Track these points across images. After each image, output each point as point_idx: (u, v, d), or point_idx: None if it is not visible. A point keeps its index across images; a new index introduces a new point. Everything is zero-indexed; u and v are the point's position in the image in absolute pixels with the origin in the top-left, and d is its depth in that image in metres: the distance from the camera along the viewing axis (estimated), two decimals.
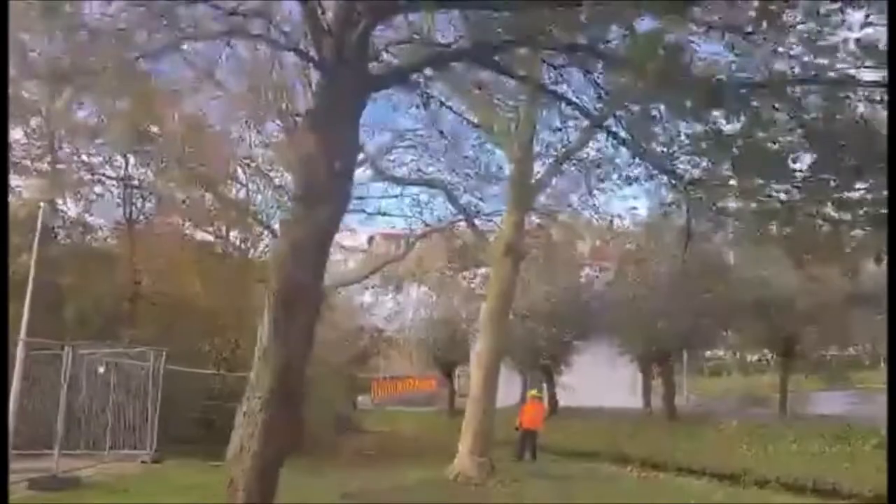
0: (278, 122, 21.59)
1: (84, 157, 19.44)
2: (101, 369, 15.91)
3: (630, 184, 10.67)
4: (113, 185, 20.55)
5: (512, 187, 17.35)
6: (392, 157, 24.50)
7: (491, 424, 16.75)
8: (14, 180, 16.75)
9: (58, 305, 17.48)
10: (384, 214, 27.97)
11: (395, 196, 26.77)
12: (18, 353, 12.20)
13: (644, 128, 7.23)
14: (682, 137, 7.18)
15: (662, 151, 7.50)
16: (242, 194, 23.67)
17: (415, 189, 24.89)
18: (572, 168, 17.70)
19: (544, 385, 33.22)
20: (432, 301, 39.16)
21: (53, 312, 17.01)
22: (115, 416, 15.77)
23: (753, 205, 7.68)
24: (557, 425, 28.36)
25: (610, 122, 7.94)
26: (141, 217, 21.32)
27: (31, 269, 12.96)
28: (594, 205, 20.26)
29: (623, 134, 7.68)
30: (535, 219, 25.40)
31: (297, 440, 6.65)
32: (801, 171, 7.01)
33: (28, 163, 18.81)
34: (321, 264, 6.70)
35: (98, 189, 20.29)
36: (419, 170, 23.09)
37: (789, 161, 6.89)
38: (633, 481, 17.34)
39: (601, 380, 31.94)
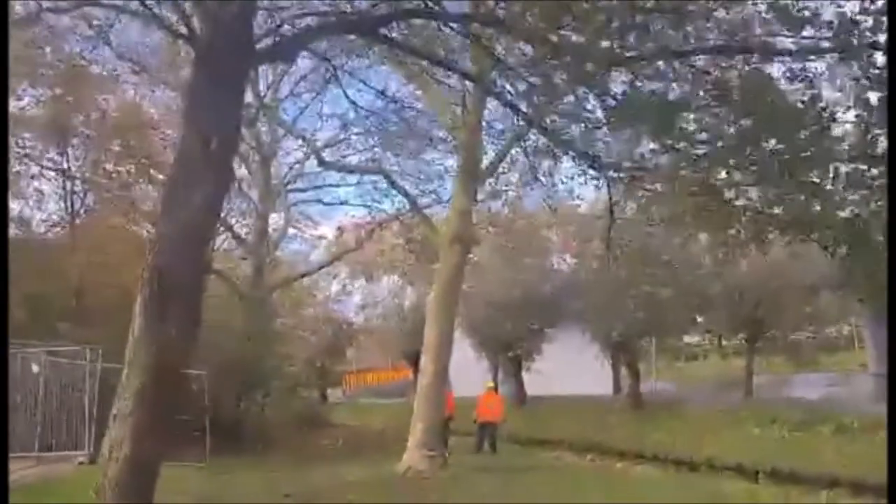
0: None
1: (20, 150, 18.71)
2: (36, 368, 15.35)
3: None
4: (52, 179, 19.88)
5: (459, 173, 16.92)
6: (344, 147, 24.24)
7: (440, 416, 16.36)
8: None
9: None
10: (343, 204, 27.70)
11: (354, 184, 26.53)
12: None
13: (543, 100, 6.78)
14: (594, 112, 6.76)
15: (568, 128, 7.08)
16: None
17: (374, 177, 24.56)
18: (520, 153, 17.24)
19: (502, 375, 32.84)
20: (399, 291, 38.78)
21: None
22: (51, 416, 15.20)
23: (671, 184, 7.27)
24: (525, 414, 28.16)
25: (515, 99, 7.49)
26: (82, 211, 20.61)
27: None
28: (549, 189, 19.97)
29: (524, 108, 7.23)
30: (499, 205, 25.20)
31: (168, 441, 6.04)
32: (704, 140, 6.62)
33: None
34: (199, 252, 6.21)
35: (37, 184, 19.63)
36: (373, 159, 22.75)
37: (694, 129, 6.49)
38: (589, 471, 17.05)
39: (571, 368, 31.59)
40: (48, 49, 16.44)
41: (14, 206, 19.26)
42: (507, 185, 22.92)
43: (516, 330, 30.62)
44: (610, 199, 8.19)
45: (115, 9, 8.35)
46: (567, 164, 19.71)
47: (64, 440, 15.24)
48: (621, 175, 7.58)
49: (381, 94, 16.02)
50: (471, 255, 19.21)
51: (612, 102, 6.32)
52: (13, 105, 18.20)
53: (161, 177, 21.29)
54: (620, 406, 28.65)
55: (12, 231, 19.41)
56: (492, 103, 16.57)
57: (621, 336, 27.68)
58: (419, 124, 19.02)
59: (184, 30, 6.18)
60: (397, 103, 17.36)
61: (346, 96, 14.85)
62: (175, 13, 6.88)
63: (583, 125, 7.04)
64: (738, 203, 7.22)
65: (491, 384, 22.54)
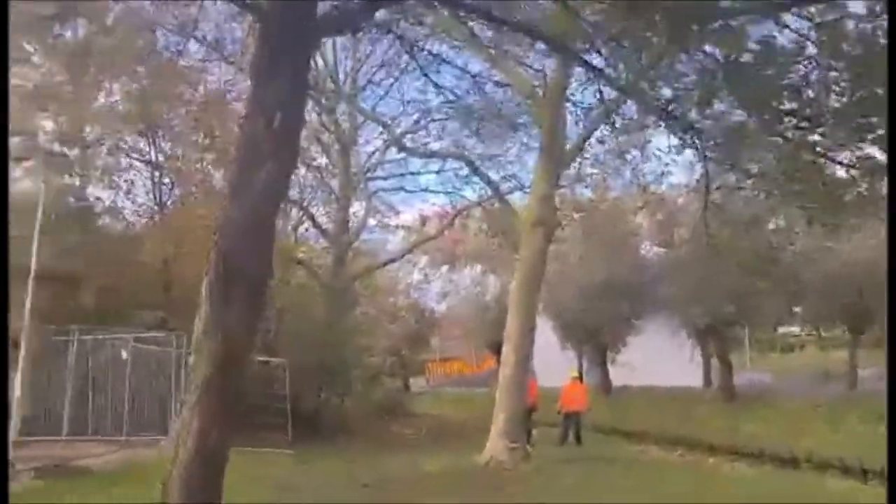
0: None
1: (111, 142, 19.22)
2: (125, 354, 15.71)
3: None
4: (142, 169, 20.38)
5: (540, 155, 16.33)
6: (425, 134, 23.97)
7: (522, 407, 15.89)
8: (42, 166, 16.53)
9: (85, 290, 17.32)
10: (425, 191, 27.49)
11: (436, 172, 26.26)
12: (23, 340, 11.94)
13: (633, 63, 6.21)
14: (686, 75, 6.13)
15: (659, 94, 6.47)
16: None
17: (456, 164, 24.26)
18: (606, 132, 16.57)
19: (587, 365, 32.07)
20: (482, 279, 38.43)
21: (81, 297, 16.86)
22: (139, 401, 15.54)
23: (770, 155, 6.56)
24: (610, 405, 27.40)
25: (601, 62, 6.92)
26: (170, 201, 21.06)
27: (32, 254, 12.62)
28: (635, 171, 19.28)
29: (614, 74, 6.66)
30: (584, 189, 24.51)
31: (236, 430, 5.81)
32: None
33: (58, 147, 18.68)
34: (265, 235, 5.93)
35: (128, 175, 20.16)
36: (454, 145, 22.40)
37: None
38: (678, 466, 16.21)
39: (659, 357, 30.56)
40: (139, 42, 16.74)
41: (105, 196, 19.85)
42: (592, 168, 22.31)
43: (602, 318, 29.89)
44: (706, 173, 7.52)
45: None
46: (656, 142, 19.14)
47: (151, 425, 15.56)
48: (718, 143, 6.91)
49: (462, 71, 15.57)
50: (554, 243, 18.60)
51: (709, 64, 5.70)
52: (104, 100, 18.76)
53: None
54: (711, 398, 27.53)
55: (105, 221, 20.06)
56: (575, 83, 15.99)
57: (712, 325, 26.64)
58: (500, 107, 18.50)
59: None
60: (478, 84, 16.93)
61: (425, 74, 14.45)
62: None
63: (679, 88, 6.42)
64: (851, 176, 6.46)
65: (575, 373, 21.88)
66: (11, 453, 11.53)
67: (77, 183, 18.36)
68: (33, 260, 12.28)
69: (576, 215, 26.84)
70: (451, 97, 19.27)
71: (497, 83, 18.34)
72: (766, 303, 25.91)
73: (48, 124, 18.36)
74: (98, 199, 19.58)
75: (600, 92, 14.07)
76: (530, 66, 15.88)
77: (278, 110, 5.71)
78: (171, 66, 17.60)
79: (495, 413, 15.71)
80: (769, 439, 18.44)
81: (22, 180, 18.95)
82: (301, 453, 16.28)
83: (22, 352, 11.89)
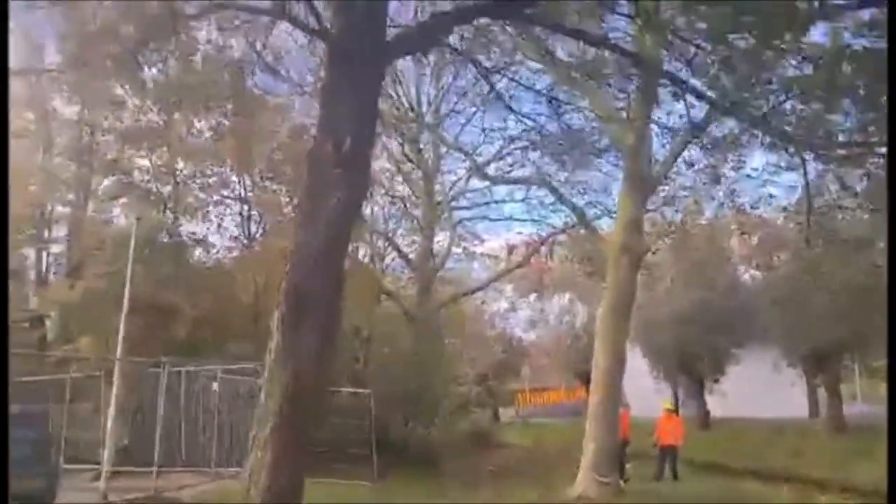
0: None
1: (203, 179, 19.84)
2: (215, 386, 15.94)
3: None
4: (232, 203, 20.92)
5: (625, 178, 15.80)
6: (508, 163, 23.76)
7: (614, 439, 15.22)
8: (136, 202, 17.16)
9: (176, 323, 17.78)
10: (510, 219, 27.23)
11: (521, 200, 25.97)
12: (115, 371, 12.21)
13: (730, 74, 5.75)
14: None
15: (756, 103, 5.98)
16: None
17: (541, 192, 23.93)
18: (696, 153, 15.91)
19: (682, 396, 30.73)
20: (570, 308, 37.66)
21: (174, 329, 17.30)
22: (229, 432, 15.69)
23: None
24: (709, 438, 26.09)
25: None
26: (259, 234, 21.52)
27: (126, 285, 12.97)
28: (729, 193, 18.47)
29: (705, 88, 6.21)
30: (672, 214, 23.67)
31: (309, 464, 5.62)
32: None
33: (151, 185, 19.43)
34: (336, 262, 5.78)
35: (218, 210, 20.75)
36: (538, 172, 22.06)
37: None
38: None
39: (760, 388, 28.99)
40: (225, 79, 17.25)
41: (197, 230, 20.42)
42: (682, 190, 21.51)
43: (698, 348, 28.67)
44: (806, 185, 6.94)
45: (250, 10, 8.23)
46: (751, 161, 18.29)
47: (240, 456, 15.66)
48: (822, 154, 6.36)
49: (541, 94, 15.20)
50: (644, 268, 17.95)
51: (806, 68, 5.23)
52: (194, 140, 19.36)
53: None
54: (819, 430, 25.82)
55: (197, 254, 20.63)
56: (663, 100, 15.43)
57: (818, 353, 25.11)
58: (583, 132, 18.09)
59: (314, 22, 5.80)
60: (557, 108, 16.58)
61: (498, 96, 14.13)
62: (310, 12, 6.59)
63: (772, 99, 5.94)
64: None
65: (669, 405, 20.87)
66: (103, 484, 11.81)
67: (170, 218, 18.91)
68: (126, 295, 12.60)
69: (666, 240, 25.88)
70: (531, 123, 18.95)
71: (577, 108, 17.92)
72: (877, 328, 24.20)
73: (143, 162, 19.20)
74: (191, 233, 20.17)
75: (689, 108, 13.50)
76: (610, 86, 15.39)
77: (348, 134, 5.59)
78: (258, 102, 18.03)
79: (585, 445, 15.14)
80: (883, 476, 16.99)
81: (118, 217, 19.87)
82: (386, 485, 16.10)
83: (115, 383, 12.16)
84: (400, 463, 19.01)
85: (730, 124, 11.94)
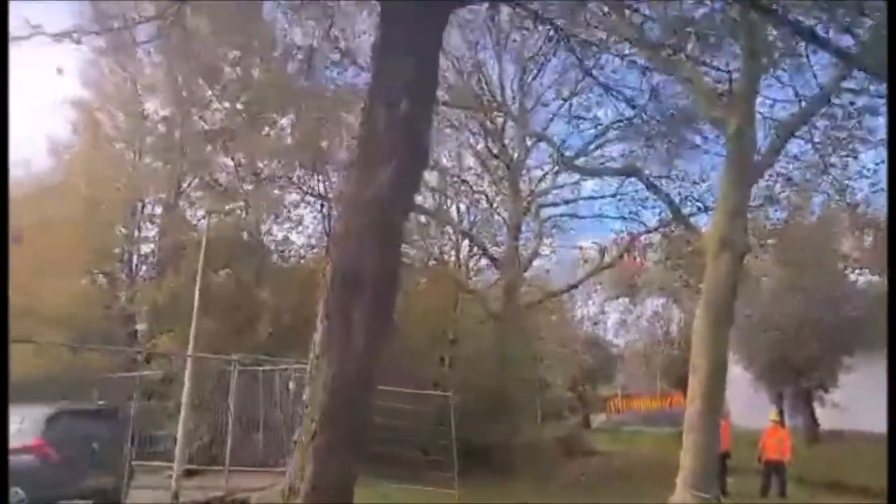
0: None
1: (283, 177, 19.67)
2: (292, 385, 15.61)
3: None
4: (312, 201, 20.70)
5: (728, 167, 14.46)
6: (598, 156, 22.72)
7: (713, 452, 13.91)
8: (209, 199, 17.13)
9: (261, 322, 17.63)
10: (600, 216, 26.06)
11: (612, 196, 24.77)
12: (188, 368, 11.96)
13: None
14: None
15: None
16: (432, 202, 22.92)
17: (632, 187, 22.78)
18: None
19: (788, 406, 28.72)
20: (665, 310, 36.00)
21: (255, 329, 17.13)
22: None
23: None
24: (819, 453, 24.19)
25: None
26: None
27: (196, 282, 12.73)
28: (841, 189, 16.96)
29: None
30: (778, 210, 22.10)
31: (358, 469, 4.91)
32: None
33: (236, 184, 19.40)
34: (391, 247, 5.07)
35: (298, 210, 20.57)
36: (632, 162, 20.90)
37: None
38: None
39: (874, 400, 26.70)
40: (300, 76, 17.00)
41: (279, 229, 20.28)
42: (786, 185, 20.00)
43: (805, 356, 26.76)
44: None
45: None
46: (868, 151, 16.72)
47: None
48: None
49: (635, 65, 14.11)
50: (749, 271, 16.62)
51: None
52: (273, 135, 19.21)
53: None
54: None
55: (278, 253, 20.48)
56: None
57: None
58: (682, 116, 16.94)
59: None
60: (653, 93, 15.48)
61: (589, 74, 13.18)
62: None
63: None
64: None
65: (776, 416, 19.24)
66: (174, 484, 11.55)
67: (251, 217, 18.80)
68: (196, 294, 12.34)
69: (769, 241, 24.18)
70: (627, 111, 17.91)
71: (674, 93, 16.79)
72: None
73: (227, 161, 19.19)
74: (272, 233, 20.06)
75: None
76: (712, 66, 14.23)
77: (404, 96, 4.86)
78: (333, 95, 17.68)
79: (682, 458, 13.90)
80: None
81: (201, 217, 19.93)
82: (468, 492, 15.33)
83: (187, 380, 11.92)
84: (485, 469, 18.23)
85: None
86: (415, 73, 4.89)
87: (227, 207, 18.02)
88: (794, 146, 17.76)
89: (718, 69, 14.27)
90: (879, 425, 24.01)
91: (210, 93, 18.33)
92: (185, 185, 19.86)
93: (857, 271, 31.22)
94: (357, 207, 4.87)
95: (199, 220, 19.58)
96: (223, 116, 18.80)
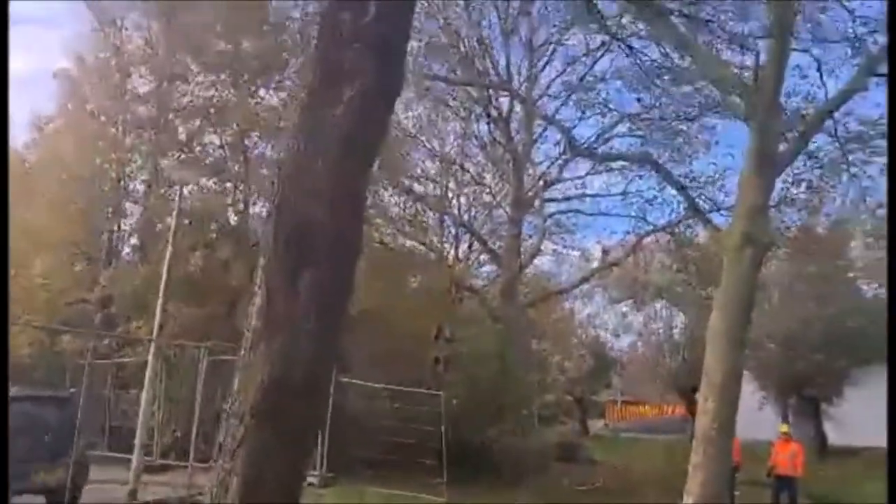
0: None
1: (272, 155, 18.65)
2: None
3: None
4: None
5: (749, 156, 13.34)
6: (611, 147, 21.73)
7: (726, 468, 12.81)
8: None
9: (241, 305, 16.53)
10: (606, 215, 25.00)
11: (619, 194, 23.70)
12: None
13: None
14: None
15: None
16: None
17: (641, 185, 21.77)
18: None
19: (792, 418, 27.81)
20: (670, 316, 34.86)
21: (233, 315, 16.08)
22: None
23: None
24: (827, 468, 23.14)
25: None
26: None
27: (164, 264, 11.64)
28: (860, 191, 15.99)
29: None
30: (794, 214, 21.06)
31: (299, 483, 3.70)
32: None
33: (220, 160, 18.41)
34: (353, 192, 3.91)
35: None
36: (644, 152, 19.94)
37: None
38: None
39: (881, 413, 25.64)
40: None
41: (264, 210, 19.21)
42: (803, 187, 19.03)
43: (811, 367, 25.85)
44: None
45: None
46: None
47: None
48: None
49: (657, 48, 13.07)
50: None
51: None
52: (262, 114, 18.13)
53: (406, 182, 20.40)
54: None
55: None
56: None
57: None
58: (699, 105, 15.94)
59: None
60: (672, 75, 14.46)
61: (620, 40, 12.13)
62: None
63: None
64: None
65: (786, 429, 18.17)
66: (132, 480, 10.46)
67: (239, 198, 17.73)
68: (164, 276, 11.26)
69: (783, 247, 23.18)
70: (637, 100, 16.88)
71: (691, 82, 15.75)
72: None
73: (213, 139, 18.14)
74: (260, 214, 18.93)
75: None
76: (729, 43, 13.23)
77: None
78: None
79: (691, 473, 12.75)
80: None
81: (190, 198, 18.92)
82: (458, 499, 14.22)
83: (149, 368, 10.84)
84: (476, 476, 17.12)
85: None
86: None
87: (206, 181, 16.94)
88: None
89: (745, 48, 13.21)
90: (883, 440, 23.11)
91: (195, 66, 17.25)
92: (167, 161, 18.75)
93: (869, 283, 30.35)
94: (313, 135, 3.73)
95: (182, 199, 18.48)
96: (209, 90, 17.71)
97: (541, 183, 24.04)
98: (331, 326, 3.72)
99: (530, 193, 23.74)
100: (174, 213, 11.96)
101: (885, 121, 16.17)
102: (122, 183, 19.86)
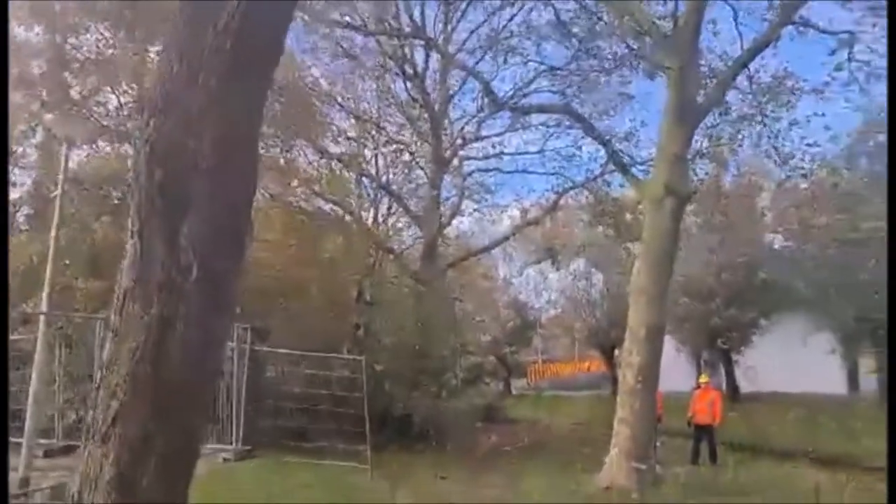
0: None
1: None
2: None
3: None
4: None
5: (668, 108, 13.23)
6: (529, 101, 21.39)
7: (651, 422, 12.89)
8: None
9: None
10: (525, 172, 24.77)
11: (537, 152, 23.53)
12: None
13: None
14: None
15: None
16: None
17: (559, 143, 21.63)
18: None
19: (704, 368, 28.61)
20: (588, 274, 35.21)
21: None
22: None
23: None
24: (741, 415, 23.84)
25: None
26: None
27: (52, 231, 10.65)
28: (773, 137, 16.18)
29: None
30: (703, 168, 21.24)
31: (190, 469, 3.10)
32: None
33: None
34: (244, 124, 3.32)
35: None
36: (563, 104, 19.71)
37: None
38: (849, 494, 12.71)
39: (790, 361, 26.65)
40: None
41: None
42: (716, 139, 19.19)
43: (725, 318, 26.61)
44: None
45: None
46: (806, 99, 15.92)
47: (211, 433, 13.42)
48: None
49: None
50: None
51: None
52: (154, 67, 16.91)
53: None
54: (865, 408, 23.39)
55: None
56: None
57: (863, 324, 22.74)
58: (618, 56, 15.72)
59: None
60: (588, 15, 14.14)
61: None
62: None
63: None
64: None
65: (705, 378, 18.46)
66: (22, 467, 9.61)
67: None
68: (51, 244, 10.29)
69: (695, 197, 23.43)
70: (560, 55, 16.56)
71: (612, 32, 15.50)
72: None
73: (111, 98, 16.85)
74: None
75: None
76: None
77: None
78: None
79: (616, 428, 12.79)
80: None
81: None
82: (384, 466, 13.82)
83: (39, 344, 9.92)
84: (401, 441, 16.78)
85: None
86: None
87: (105, 146, 15.70)
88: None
89: None
90: (789, 386, 24.06)
91: (86, 18, 15.82)
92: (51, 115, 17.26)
93: (774, 234, 31.38)
94: (185, 62, 3.10)
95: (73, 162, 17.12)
96: (106, 47, 16.31)
97: (459, 141, 23.56)
98: (220, 281, 3.14)
99: (448, 152, 23.25)
100: (60, 175, 10.85)
101: (794, 75, 16.59)
102: (14, 148, 18.22)
